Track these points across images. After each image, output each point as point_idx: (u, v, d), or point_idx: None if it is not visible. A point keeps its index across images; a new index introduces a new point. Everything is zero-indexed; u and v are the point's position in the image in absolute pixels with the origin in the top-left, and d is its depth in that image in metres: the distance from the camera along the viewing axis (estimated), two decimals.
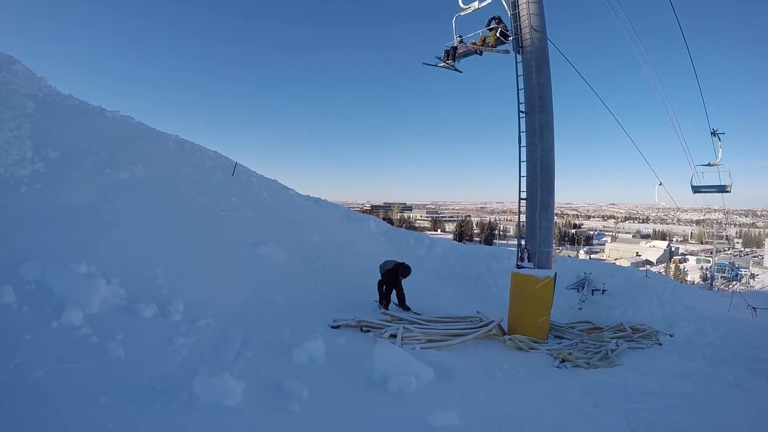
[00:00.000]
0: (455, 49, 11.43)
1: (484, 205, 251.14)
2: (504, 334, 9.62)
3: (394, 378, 5.87)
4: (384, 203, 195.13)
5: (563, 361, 8.11)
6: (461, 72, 11.93)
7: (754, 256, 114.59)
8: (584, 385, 6.86)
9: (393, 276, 10.63)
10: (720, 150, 15.50)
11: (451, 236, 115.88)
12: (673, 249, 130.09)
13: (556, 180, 10.62)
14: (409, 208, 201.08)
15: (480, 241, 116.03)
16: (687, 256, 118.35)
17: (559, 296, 11.43)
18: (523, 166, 10.65)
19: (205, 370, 5.17)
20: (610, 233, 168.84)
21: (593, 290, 14.03)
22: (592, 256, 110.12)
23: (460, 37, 11.40)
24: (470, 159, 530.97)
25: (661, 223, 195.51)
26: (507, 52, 11.14)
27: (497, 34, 11.00)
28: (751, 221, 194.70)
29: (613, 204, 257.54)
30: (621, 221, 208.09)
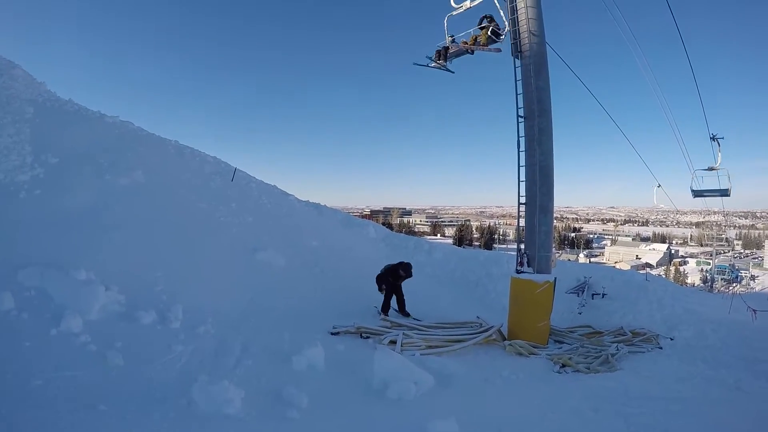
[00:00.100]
0: (447, 49, 11.39)
1: (483, 209, 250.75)
2: (504, 339, 9.61)
3: (394, 385, 5.86)
4: (384, 208, 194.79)
5: (563, 366, 8.11)
6: (453, 72, 11.90)
7: (754, 258, 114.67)
8: (584, 390, 6.85)
9: (394, 273, 10.65)
10: (719, 154, 15.56)
11: (450, 241, 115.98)
12: (672, 252, 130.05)
13: (555, 184, 10.65)
14: (409, 213, 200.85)
15: (480, 246, 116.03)
16: (687, 259, 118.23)
17: (559, 300, 11.41)
18: (522, 170, 10.69)
19: (205, 377, 5.15)
20: (610, 236, 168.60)
21: (593, 294, 14.05)
22: (592, 259, 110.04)
23: (452, 36, 11.36)
24: (470, 163, 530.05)
25: (660, 226, 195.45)
26: (499, 50, 11.13)
27: (488, 33, 10.97)
28: (751, 223, 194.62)
29: (612, 207, 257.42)
30: (620, 224, 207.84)
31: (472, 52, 11.31)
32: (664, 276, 69.48)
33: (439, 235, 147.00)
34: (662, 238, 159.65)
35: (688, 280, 77.39)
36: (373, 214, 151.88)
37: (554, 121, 10.73)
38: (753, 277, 66.72)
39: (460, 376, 6.83)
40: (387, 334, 8.30)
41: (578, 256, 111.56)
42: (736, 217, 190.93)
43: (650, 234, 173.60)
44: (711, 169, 15.53)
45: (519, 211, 10.78)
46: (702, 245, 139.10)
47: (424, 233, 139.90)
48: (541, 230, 10.36)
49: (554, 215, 11.12)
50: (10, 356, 5.14)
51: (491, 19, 11.06)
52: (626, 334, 10.70)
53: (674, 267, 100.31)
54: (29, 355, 5.27)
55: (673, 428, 5.30)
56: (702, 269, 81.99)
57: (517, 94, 10.85)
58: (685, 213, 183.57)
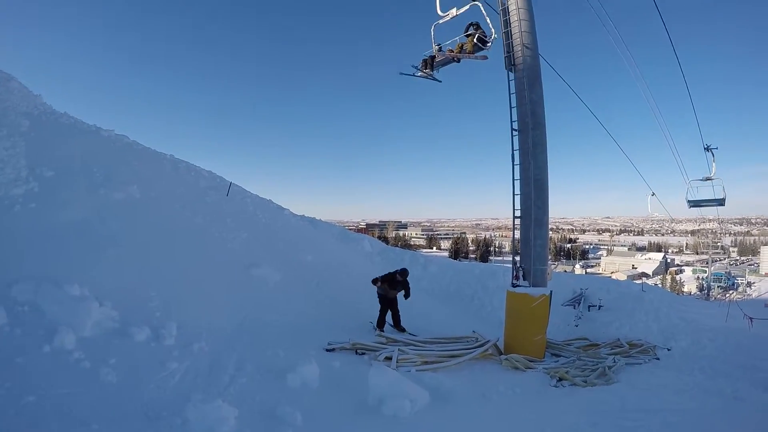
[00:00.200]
0: (433, 58, 11.35)
1: (479, 222, 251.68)
2: (500, 353, 9.55)
3: (389, 402, 5.81)
4: (379, 221, 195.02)
5: (560, 379, 8.06)
6: (440, 81, 11.86)
7: (750, 264, 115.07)
8: (581, 404, 6.81)
9: (391, 280, 10.62)
10: (714, 164, 15.72)
11: (446, 253, 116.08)
12: (668, 260, 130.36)
13: (550, 194, 10.65)
14: (405, 226, 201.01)
15: (476, 258, 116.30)
16: (683, 267, 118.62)
17: (555, 313, 11.39)
18: (517, 184, 10.68)
19: (198, 396, 5.11)
20: (606, 247, 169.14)
21: (589, 306, 14.03)
22: (588, 270, 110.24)
23: (439, 45, 11.33)
24: (465, 175, 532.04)
25: (656, 235, 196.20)
26: (485, 58, 11.10)
27: (474, 40, 10.92)
28: (746, 229, 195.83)
29: (608, 217, 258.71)
30: (616, 234, 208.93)
31: (458, 61, 11.25)
32: (660, 285, 69.59)
33: (434, 248, 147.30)
34: (658, 247, 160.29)
35: (685, 289, 77.49)
36: (369, 228, 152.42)
37: (548, 131, 10.76)
38: (749, 284, 66.93)
39: (456, 392, 6.78)
40: (382, 350, 8.24)
41: (574, 267, 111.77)
42: (731, 224, 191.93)
43: (646, 243, 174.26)
44: (707, 179, 15.71)
45: (514, 225, 10.76)
46: (698, 253, 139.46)
47: (419, 246, 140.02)
48: (536, 243, 10.34)
49: (550, 226, 11.11)
50: (2, 372, 5.06)
51: (477, 27, 11.01)
52: (623, 346, 10.68)
53: (670, 276, 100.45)
54: (22, 372, 5.18)
55: None
56: (698, 277, 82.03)
57: (510, 108, 10.85)
58: (680, 221, 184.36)
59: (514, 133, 10.75)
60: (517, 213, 10.68)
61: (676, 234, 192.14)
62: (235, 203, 15.68)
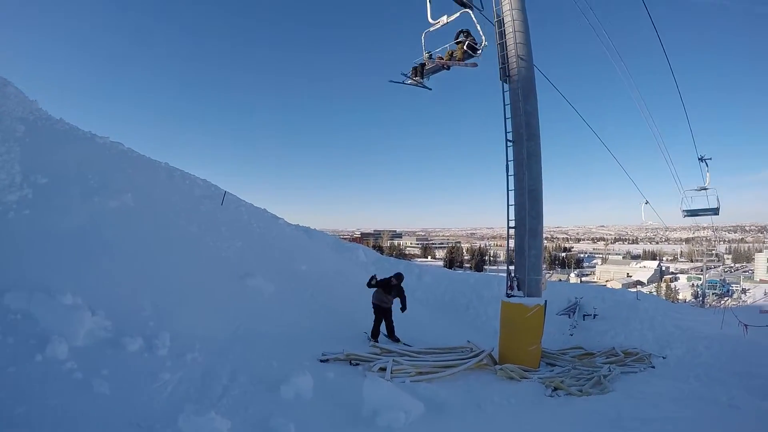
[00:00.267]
0: (423, 65, 11.32)
1: (474, 231, 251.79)
2: (495, 363, 9.52)
3: (383, 413, 5.78)
4: (374, 230, 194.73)
5: (555, 389, 8.02)
6: (430, 89, 11.79)
7: (744, 271, 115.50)
8: (576, 414, 6.79)
9: (386, 285, 10.60)
10: (708, 174, 15.89)
11: (441, 263, 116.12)
12: (663, 268, 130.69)
13: (544, 204, 10.66)
14: (399, 236, 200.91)
15: (470, 267, 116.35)
16: (678, 275, 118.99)
17: (550, 322, 11.39)
18: (511, 194, 10.69)
19: (191, 407, 5.06)
20: (601, 255, 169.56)
21: (584, 315, 14.05)
22: (583, 278, 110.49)
23: (429, 53, 11.28)
24: (460, 185, 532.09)
25: (650, 243, 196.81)
26: (475, 65, 11.02)
27: (464, 47, 10.85)
28: (740, 237, 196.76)
29: (602, 226, 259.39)
30: (611, 243, 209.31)
31: (448, 68, 11.21)
32: (655, 293, 69.73)
33: (429, 257, 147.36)
34: (653, 255, 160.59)
35: (680, 296, 77.73)
36: (364, 237, 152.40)
37: (543, 141, 10.80)
38: (744, 291, 67.10)
39: (451, 403, 6.76)
40: (377, 361, 8.19)
41: (569, 275, 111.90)
42: (725, 231, 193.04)
43: (641, 251, 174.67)
44: (702, 189, 15.87)
45: (508, 235, 10.75)
46: (692, 261, 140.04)
47: (414, 256, 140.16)
48: (530, 253, 10.34)
49: (544, 235, 11.10)
50: None
51: (468, 34, 10.97)
52: (618, 355, 10.66)
53: (665, 283, 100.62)
54: (14, 382, 5.13)
55: None
56: (693, 285, 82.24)
57: (505, 119, 10.88)
58: (675, 229, 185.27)
59: (509, 143, 10.77)
60: (512, 223, 10.68)
61: (670, 242, 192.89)
62: (230, 212, 15.66)
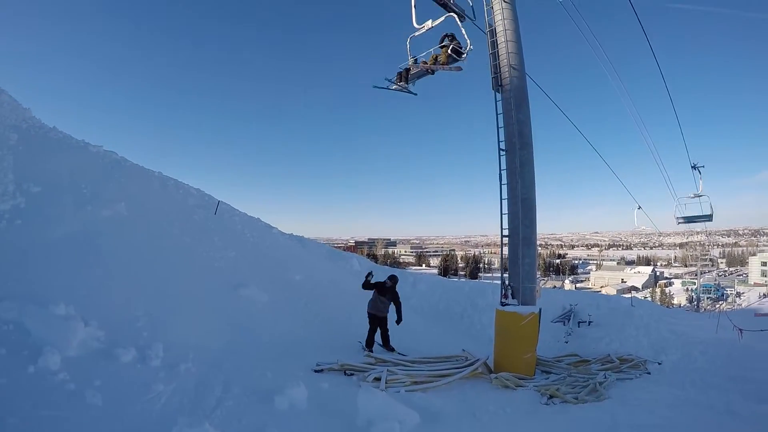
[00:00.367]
0: (408, 70, 11.24)
1: (468, 239, 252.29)
2: (490, 371, 9.47)
3: (378, 424, 5.73)
4: (368, 239, 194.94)
5: (551, 397, 7.98)
6: (416, 94, 11.74)
7: (738, 275, 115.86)
8: (572, 422, 6.76)
9: (380, 287, 10.58)
10: (701, 182, 16.04)
11: (436, 271, 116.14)
12: (657, 273, 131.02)
13: (538, 211, 10.66)
14: (394, 244, 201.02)
15: (465, 275, 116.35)
16: (672, 280, 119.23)
17: (545, 330, 11.36)
18: (504, 203, 10.66)
19: (185, 419, 5.00)
20: (595, 261, 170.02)
21: (579, 322, 14.05)
22: (578, 285, 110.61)
23: (414, 58, 11.19)
24: (454, 192, 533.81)
25: (644, 249, 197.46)
26: (459, 69, 10.95)
27: (449, 51, 10.78)
28: (734, 240, 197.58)
29: (596, 232, 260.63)
30: (605, 249, 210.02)
31: (433, 72, 11.13)
32: (650, 298, 69.87)
33: (424, 265, 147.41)
34: (647, 261, 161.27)
35: (675, 301, 77.83)
36: (358, 245, 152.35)
37: (536, 148, 10.81)
38: (738, 294, 67.33)
39: (446, 413, 6.72)
40: (371, 371, 8.13)
41: (564, 282, 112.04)
42: (719, 236, 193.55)
43: (635, 257, 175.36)
44: (695, 196, 16.03)
45: (502, 243, 10.73)
46: (686, 265, 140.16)
47: (409, 264, 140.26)
48: (524, 262, 10.31)
49: (539, 242, 11.11)
50: None
51: (452, 38, 10.92)
52: (614, 361, 10.64)
53: (660, 289, 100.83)
54: (6, 393, 5.07)
55: None
56: (688, 289, 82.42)
57: (498, 128, 10.86)
58: (668, 235, 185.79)
59: (502, 152, 10.75)
60: (506, 232, 10.65)
61: (664, 247, 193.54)
62: (223, 222, 15.59)
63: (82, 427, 4.81)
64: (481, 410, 7.12)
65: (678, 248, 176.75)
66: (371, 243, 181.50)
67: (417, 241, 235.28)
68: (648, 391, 8.71)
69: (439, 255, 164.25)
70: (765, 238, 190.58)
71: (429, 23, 10.89)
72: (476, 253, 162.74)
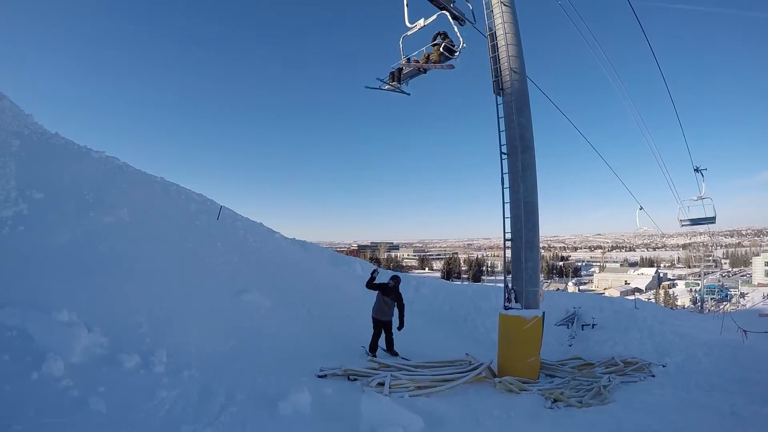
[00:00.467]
0: (400, 70, 11.20)
1: (471, 242, 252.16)
2: (494, 376, 9.45)
3: (382, 429, 5.70)
4: (371, 243, 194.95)
5: (555, 401, 7.95)
6: (409, 94, 11.67)
7: (742, 276, 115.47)
8: (577, 426, 6.73)
9: (384, 288, 10.55)
10: (704, 184, 16.07)
11: (439, 274, 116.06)
12: (661, 275, 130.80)
13: (541, 214, 10.65)
14: (396, 247, 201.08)
15: (468, 278, 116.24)
16: (676, 281, 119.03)
17: (549, 333, 11.32)
18: (507, 207, 10.67)
19: (188, 426, 5.03)
20: (598, 263, 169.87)
21: (583, 325, 14.00)
22: (581, 287, 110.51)
23: (407, 57, 11.13)
24: (456, 196, 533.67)
25: (647, 250, 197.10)
26: (452, 67, 10.90)
27: (441, 49, 10.75)
28: (737, 241, 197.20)
29: (599, 234, 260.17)
30: (608, 251, 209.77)
31: (425, 71, 11.07)
32: (653, 300, 69.70)
33: (427, 268, 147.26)
34: (650, 262, 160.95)
35: (678, 303, 77.63)
36: (361, 249, 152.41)
37: (538, 151, 10.80)
38: (742, 295, 67.05)
39: (450, 418, 6.69)
40: (375, 376, 8.11)
41: (567, 284, 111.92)
42: (722, 236, 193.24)
43: (638, 259, 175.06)
44: (698, 198, 16.07)
45: (505, 247, 10.72)
46: (690, 267, 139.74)
47: (411, 267, 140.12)
48: (527, 265, 10.28)
49: (541, 245, 11.08)
50: None
51: (445, 36, 10.90)
52: (618, 364, 10.58)
53: (663, 290, 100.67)
54: (9, 400, 5.06)
55: None
56: (691, 290, 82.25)
57: (499, 131, 10.86)
58: (672, 236, 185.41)
59: (503, 156, 10.76)
60: (508, 236, 10.65)
61: (667, 248, 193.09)
62: (226, 227, 15.60)
63: None
64: (485, 415, 7.09)
65: (681, 249, 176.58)
66: (374, 247, 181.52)
67: (420, 245, 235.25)
68: (652, 394, 8.67)
69: (442, 258, 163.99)
70: None
71: (421, 22, 10.79)
72: (479, 257, 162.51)
